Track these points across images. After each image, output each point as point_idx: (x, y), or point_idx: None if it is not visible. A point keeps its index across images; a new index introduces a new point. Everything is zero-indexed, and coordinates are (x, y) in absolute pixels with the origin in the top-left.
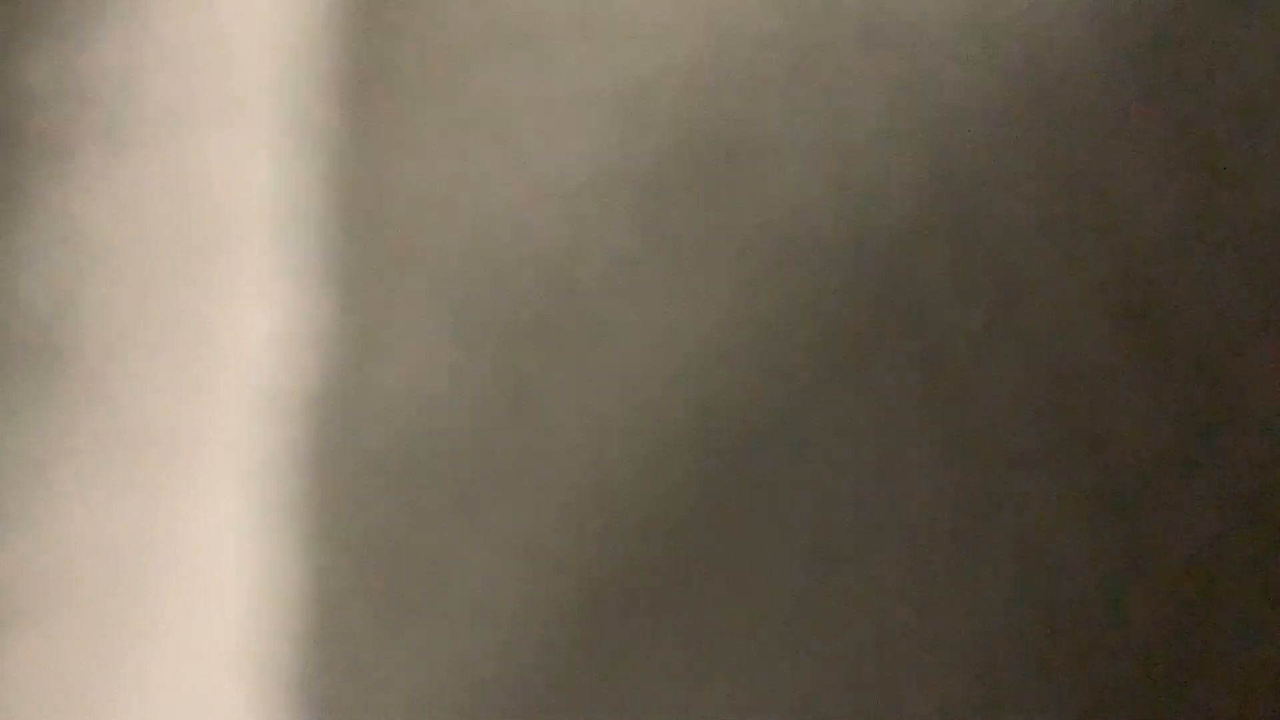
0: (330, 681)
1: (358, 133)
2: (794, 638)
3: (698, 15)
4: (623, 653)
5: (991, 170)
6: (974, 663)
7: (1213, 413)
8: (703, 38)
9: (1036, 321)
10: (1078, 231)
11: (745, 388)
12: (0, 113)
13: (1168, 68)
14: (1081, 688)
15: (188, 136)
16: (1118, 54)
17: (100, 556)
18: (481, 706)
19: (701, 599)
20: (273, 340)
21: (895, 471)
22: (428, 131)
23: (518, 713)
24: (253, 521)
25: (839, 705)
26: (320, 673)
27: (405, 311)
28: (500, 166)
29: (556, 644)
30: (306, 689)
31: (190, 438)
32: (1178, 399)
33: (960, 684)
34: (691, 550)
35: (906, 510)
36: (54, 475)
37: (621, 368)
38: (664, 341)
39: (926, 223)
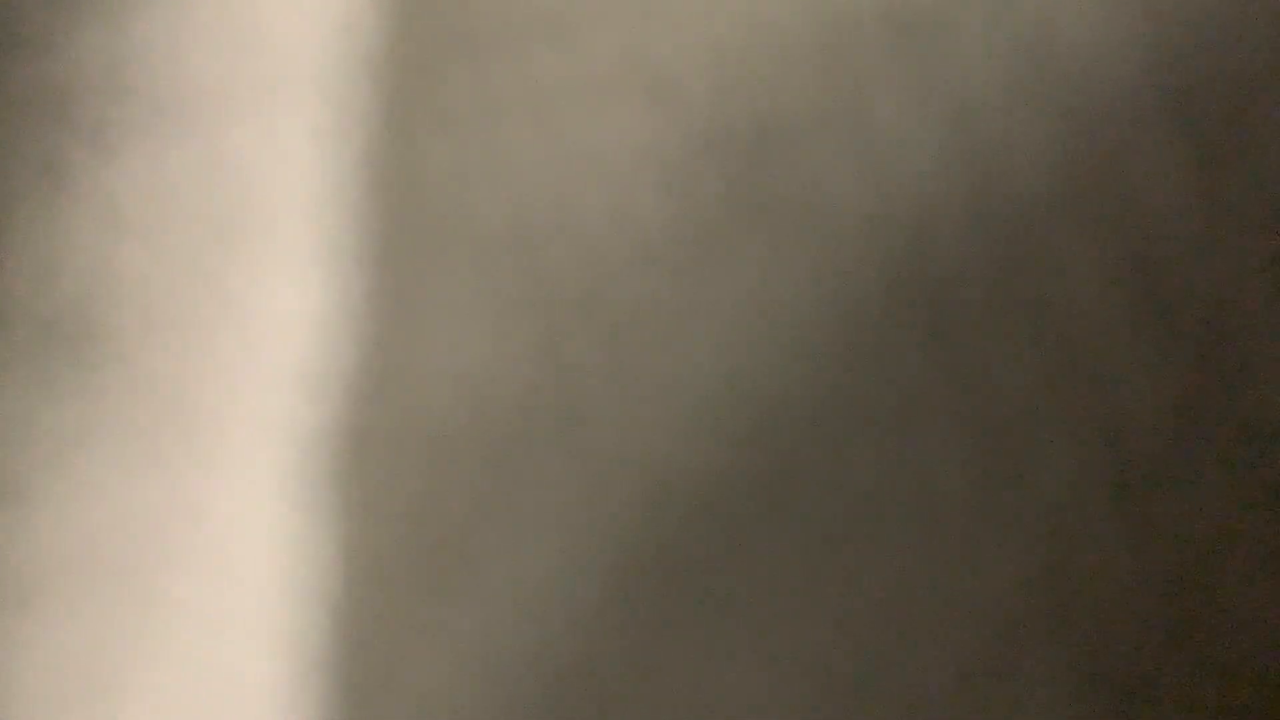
0: (360, 659)
1: (395, 114)
2: (819, 609)
3: (727, 1)
4: (653, 626)
5: (1010, 153)
6: (988, 632)
7: (1224, 390)
8: (731, 21)
9: (1053, 301)
10: (1093, 214)
11: (772, 361)
12: (41, 94)
13: (1179, 52)
14: (1093, 658)
15: (227, 118)
16: (1131, 41)
17: (130, 533)
18: (513, 682)
19: (729, 570)
20: (309, 319)
21: (914, 445)
22: (464, 113)
23: (549, 688)
24: (285, 500)
25: (860, 672)
26: (351, 650)
27: (441, 290)
28: (536, 147)
29: (588, 621)
30: (337, 666)
31: (224, 416)
32: (1185, 370)
33: (975, 652)
34: (721, 522)
35: (924, 483)
36: (87, 452)
37: (655, 344)
38: (697, 317)
39: (948, 203)
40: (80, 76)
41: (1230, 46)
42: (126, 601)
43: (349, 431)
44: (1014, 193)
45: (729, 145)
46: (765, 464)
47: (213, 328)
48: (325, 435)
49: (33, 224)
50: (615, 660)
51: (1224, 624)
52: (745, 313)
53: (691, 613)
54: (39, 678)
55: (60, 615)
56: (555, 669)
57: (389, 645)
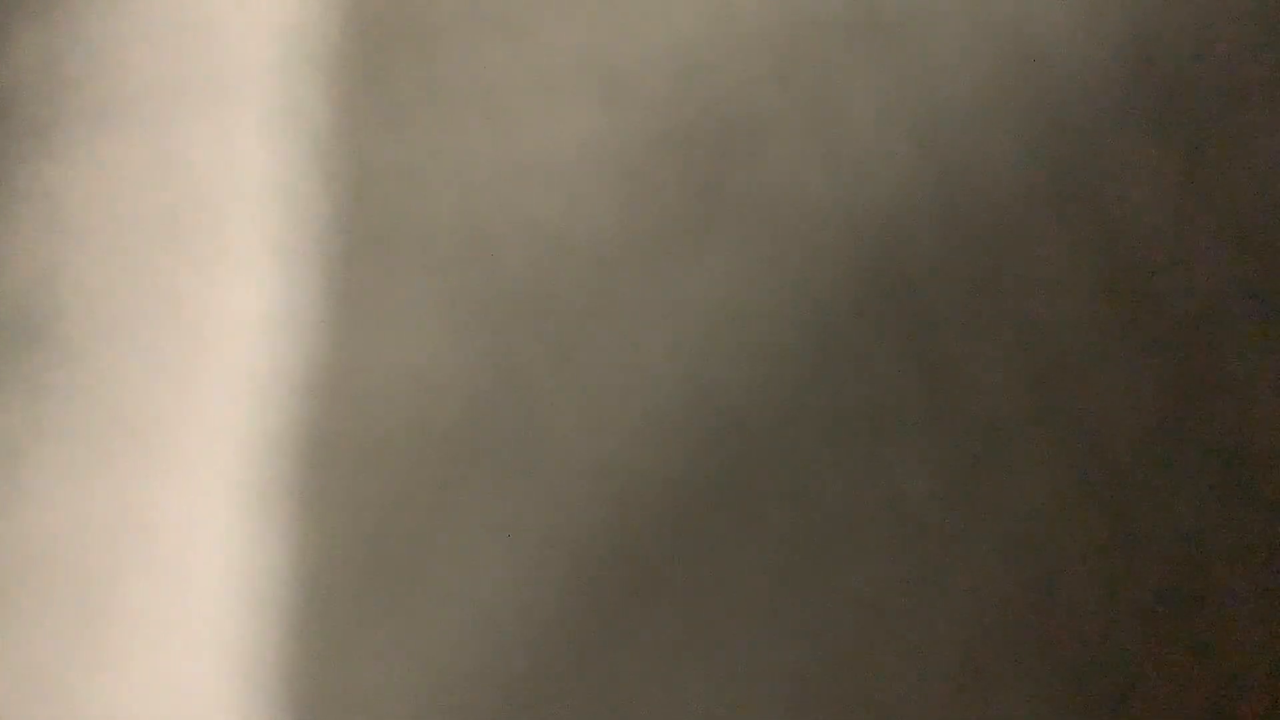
0: (314, 667)
1: (344, 112)
2: (784, 616)
3: None
4: (611, 635)
5: (984, 156)
6: (963, 638)
7: (1199, 390)
8: (692, 16)
9: (1025, 300)
10: (1069, 219)
11: (736, 365)
12: None
13: (1154, 51)
14: (1070, 664)
15: (172, 116)
16: (1106, 39)
17: (76, 540)
18: (468, 688)
19: (693, 580)
20: (259, 320)
21: (884, 451)
22: (415, 109)
23: (505, 697)
24: (237, 506)
25: (829, 683)
26: (304, 658)
27: (393, 290)
28: (488, 145)
29: (544, 627)
30: (290, 674)
31: (174, 421)
32: (1164, 376)
33: (949, 659)
34: (683, 530)
35: (897, 486)
36: (31, 458)
37: (611, 345)
38: (655, 319)
39: (916, 203)
40: (23, 74)
41: (1212, 52)
42: (75, 610)
43: (301, 434)
44: (988, 196)
45: (688, 144)
46: (727, 469)
47: (161, 330)
48: (277, 438)
49: None
50: (572, 670)
51: (1205, 632)
52: (705, 315)
53: (651, 621)
54: None
55: (7, 623)
56: (511, 677)
57: (343, 653)
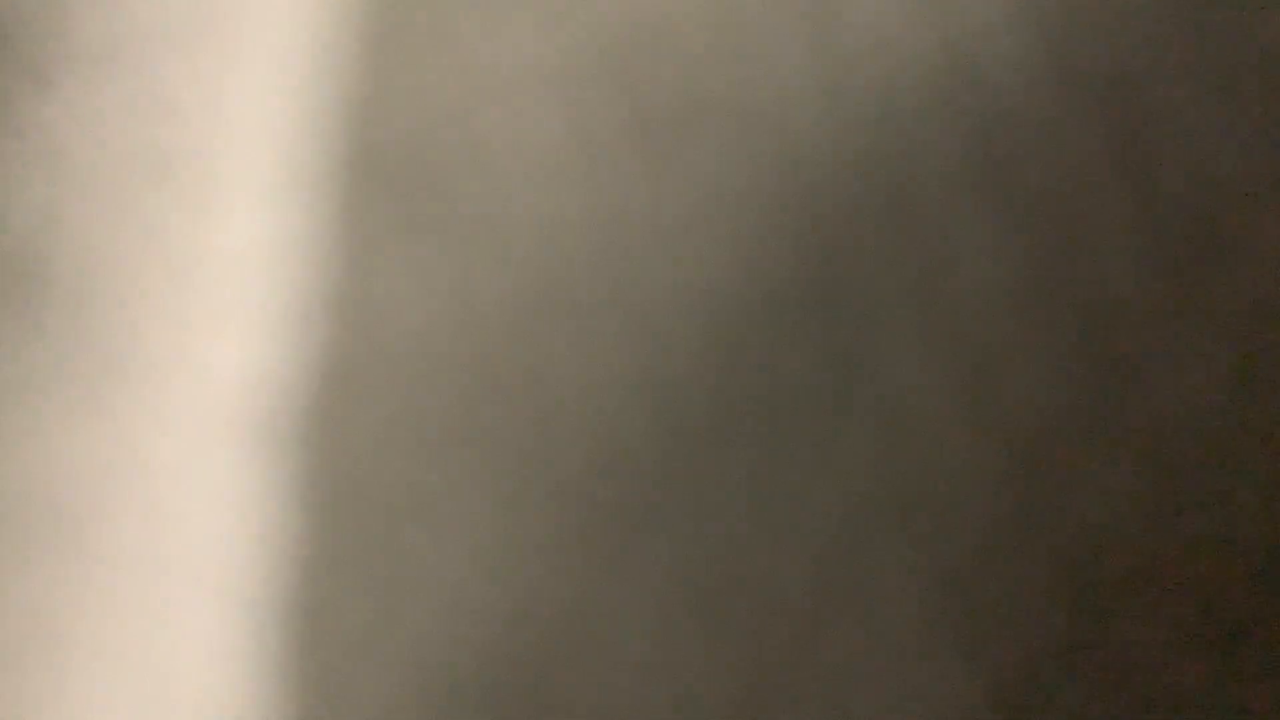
0: (312, 608)
1: (326, 50)
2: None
3: None
4: (601, 584)
5: (924, 138)
6: (838, 525)
7: (1113, 380)
8: None
9: (961, 289)
10: (988, 197)
11: (695, 276)
12: None
13: (1095, 48)
14: (984, 642)
15: (167, 57)
16: (1045, 36)
17: (73, 483)
18: (468, 628)
19: (678, 529)
20: (250, 260)
21: (825, 429)
22: (381, 44)
23: (497, 638)
24: (232, 447)
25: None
26: (301, 594)
27: (373, 221)
28: (435, 65)
29: (536, 562)
30: (287, 615)
31: (167, 362)
32: (1083, 367)
33: (828, 544)
34: (603, 432)
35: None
36: (27, 401)
37: (558, 261)
38: (596, 233)
39: (861, 184)
40: (19, 14)
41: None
42: (69, 552)
43: (294, 372)
44: (927, 174)
45: (629, 59)
46: (657, 378)
47: (153, 271)
48: (270, 377)
49: None
50: (563, 615)
51: (1067, 517)
52: (642, 231)
53: (639, 569)
54: None
55: (2, 565)
56: (503, 619)
57: (341, 590)
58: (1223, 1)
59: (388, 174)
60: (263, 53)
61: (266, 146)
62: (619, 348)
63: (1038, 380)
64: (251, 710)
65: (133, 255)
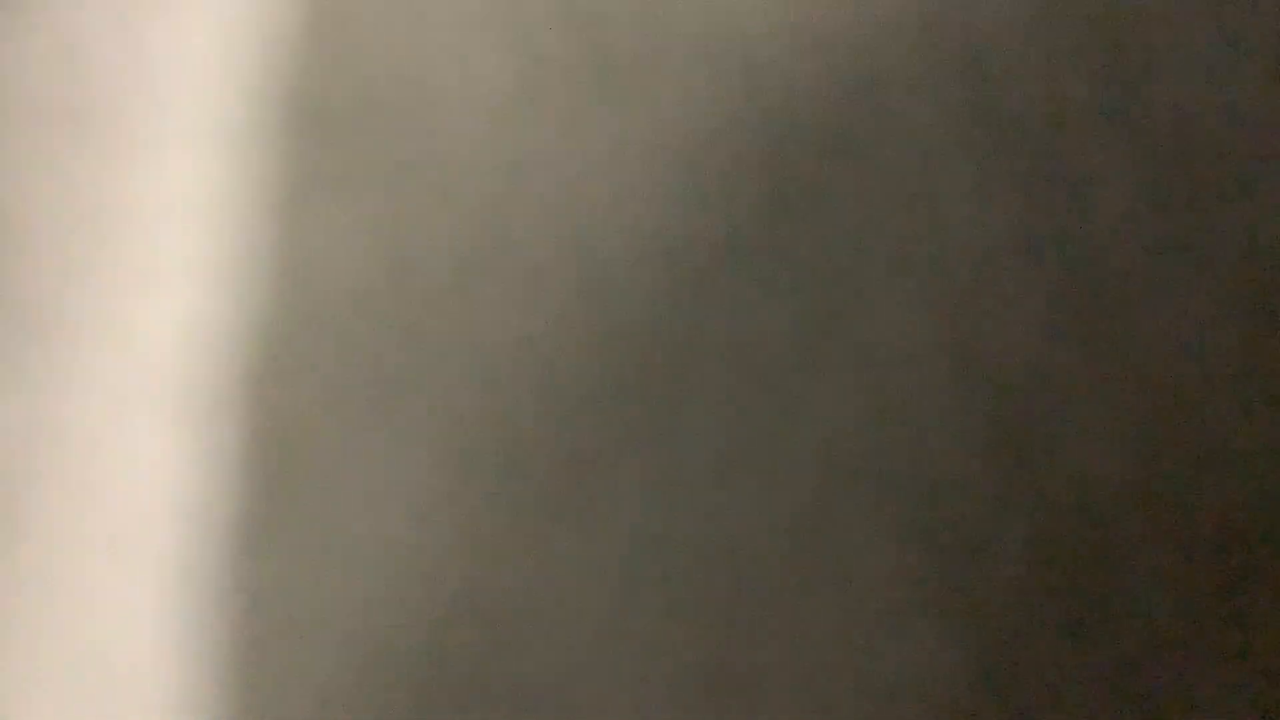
0: (239, 570)
1: None
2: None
3: None
4: (555, 548)
5: (902, 77)
6: (814, 480)
7: (1102, 333)
8: None
9: (942, 234)
10: (988, 150)
11: (620, 219)
12: None
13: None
14: (963, 605)
15: (80, 5)
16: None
17: None
18: (402, 597)
19: (638, 492)
20: (163, 213)
21: (797, 385)
22: None
23: (444, 606)
24: (148, 411)
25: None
26: (228, 562)
27: (292, 166)
28: (377, 11)
29: (486, 536)
30: (214, 579)
31: (83, 327)
32: (1067, 317)
33: (802, 498)
34: (607, 440)
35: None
36: None
37: (495, 202)
38: (539, 176)
39: (836, 125)
40: None
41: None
42: None
43: (216, 329)
44: (880, 105)
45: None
46: (614, 330)
47: (71, 228)
48: (201, 339)
49: None
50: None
51: (1051, 477)
52: (598, 175)
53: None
54: None
55: None
56: (462, 575)
57: (280, 564)
58: None
59: (323, 122)
60: (188, 1)
61: (192, 96)
62: (572, 299)
63: (1022, 333)
64: (188, 686)
65: (49, 211)
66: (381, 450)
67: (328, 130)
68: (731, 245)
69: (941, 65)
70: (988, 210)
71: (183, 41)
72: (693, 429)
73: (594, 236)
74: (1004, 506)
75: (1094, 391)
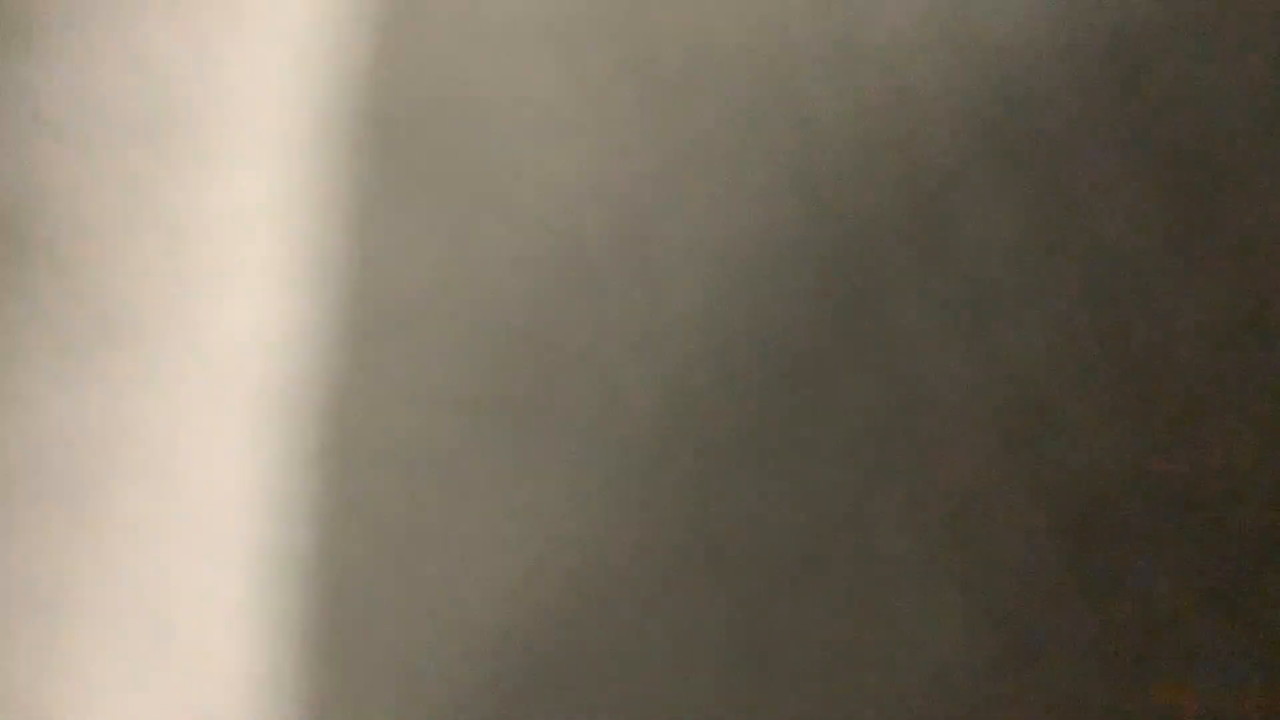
0: (324, 562)
1: (322, 5)
2: (748, 507)
3: None
4: (613, 533)
5: (930, 92)
6: (897, 542)
7: (1115, 323)
8: None
9: (963, 235)
10: (1006, 158)
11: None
12: None
13: (1138, 85)
14: (981, 576)
15: (149, 15)
16: (1086, 81)
17: (69, 448)
18: (474, 588)
19: (685, 478)
20: (238, 220)
21: (827, 374)
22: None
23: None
24: (223, 409)
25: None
26: (313, 555)
27: (363, 177)
28: (434, 21)
29: (553, 524)
30: (293, 568)
31: (160, 326)
32: (1082, 310)
33: (887, 555)
34: (657, 432)
35: (835, 410)
36: (23, 366)
37: (549, 208)
38: (589, 183)
39: (867, 135)
40: None
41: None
42: (67, 517)
43: (297, 336)
44: (909, 117)
45: (630, 12)
46: (663, 330)
47: (145, 232)
48: (264, 338)
49: None
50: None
51: (1065, 455)
52: (646, 185)
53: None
54: None
55: (0, 531)
56: (530, 561)
57: (355, 556)
58: None
59: (387, 133)
60: (257, 12)
61: (262, 105)
62: (624, 303)
63: (1038, 323)
64: (263, 673)
65: (122, 216)
66: (450, 443)
67: (394, 142)
68: (770, 251)
69: (965, 79)
70: (1006, 216)
71: (253, 54)
72: (734, 419)
73: (645, 240)
74: (1021, 484)
75: (1105, 378)
